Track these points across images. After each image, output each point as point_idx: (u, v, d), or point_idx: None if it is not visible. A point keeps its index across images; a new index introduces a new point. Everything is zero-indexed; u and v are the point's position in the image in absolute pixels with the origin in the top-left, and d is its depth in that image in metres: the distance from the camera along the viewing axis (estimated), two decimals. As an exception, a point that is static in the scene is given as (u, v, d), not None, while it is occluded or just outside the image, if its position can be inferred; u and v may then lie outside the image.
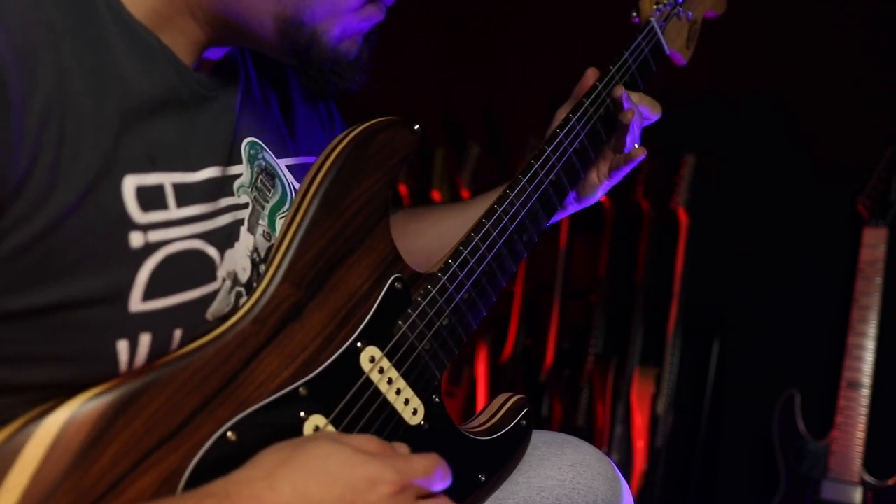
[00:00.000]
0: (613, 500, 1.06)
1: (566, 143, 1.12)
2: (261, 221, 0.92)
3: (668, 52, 1.27)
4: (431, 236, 1.25)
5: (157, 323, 0.78)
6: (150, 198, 0.78)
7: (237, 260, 0.88)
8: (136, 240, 0.77)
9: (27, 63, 0.70)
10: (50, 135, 0.71)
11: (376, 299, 0.91)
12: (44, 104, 0.70)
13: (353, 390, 0.87)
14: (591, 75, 1.22)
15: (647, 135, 1.30)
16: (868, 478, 2.35)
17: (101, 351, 0.76)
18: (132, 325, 0.77)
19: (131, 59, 0.79)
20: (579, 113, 1.14)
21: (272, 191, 0.95)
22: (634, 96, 1.20)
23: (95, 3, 0.77)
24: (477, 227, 1.01)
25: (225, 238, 0.87)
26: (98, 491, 0.70)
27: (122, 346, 0.76)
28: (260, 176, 0.94)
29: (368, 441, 0.79)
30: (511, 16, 3.31)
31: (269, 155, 0.97)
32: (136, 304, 0.77)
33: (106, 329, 0.75)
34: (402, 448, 0.82)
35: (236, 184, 0.90)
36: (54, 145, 0.71)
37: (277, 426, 0.81)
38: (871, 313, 2.37)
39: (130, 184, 0.76)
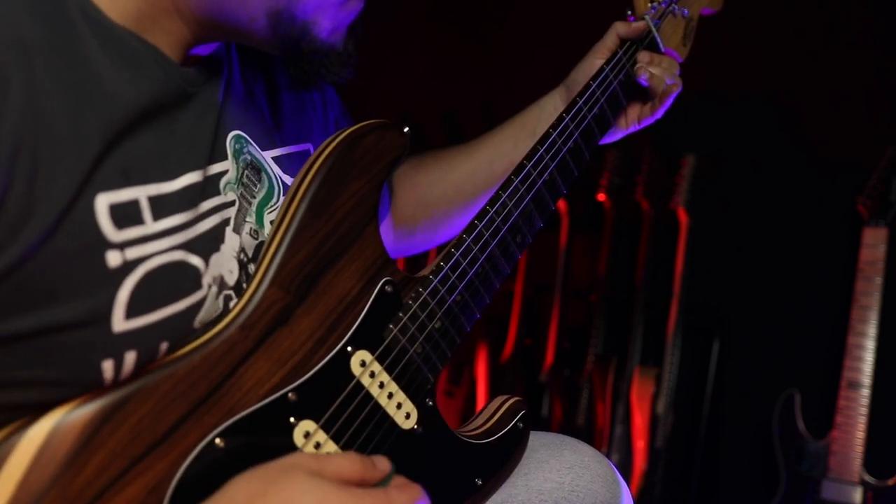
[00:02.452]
0: (613, 501, 1.05)
1: (560, 143, 1.11)
2: (248, 219, 0.92)
3: (663, 49, 1.26)
4: (446, 185, 1.25)
5: (142, 340, 0.77)
6: (125, 214, 0.76)
7: (223, 263, 0.87)
8: (113, 259, 0.75)
9: None
10: (22, 164, 0.69)
11: (366, 303, 0.90)
12: (14, 133, 0.68)
13: (343, 395, 0.86)
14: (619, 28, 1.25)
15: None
16: (868, 478, 2.34)
17: (85, 372, 0.75)
18: (116, 345, 0.76)
19: (114, 68, 0.77)
20: (573, 112, 1.14)
21: (258, 185, 0.94)
22: (655, 58, 1.23)
23: (71, 16, 0.75)
24: (469, 228, 1.00)
25: (209, 243, 0.86)
26: (85, 499, 0.70)
27: (108, 366, 0.76)
28: (246, 171, 0.93)
29: (349, 465, 0.76)
30: (511, 15, 3.30)
31: (254, 148, 0.95)
32: (120, 323, 0.76)
33: (89, 351, 0.74)
34: (382, 462, 0.79)
35: (223, 181, 0.89)
36: (27, 174, 0.69)
37: (267, 432, 0.80)
38: (871, 313, 2.36)
39: (103, 202, 0.75)
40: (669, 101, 1.24)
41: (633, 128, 1.26)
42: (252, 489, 0.72)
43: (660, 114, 1.24)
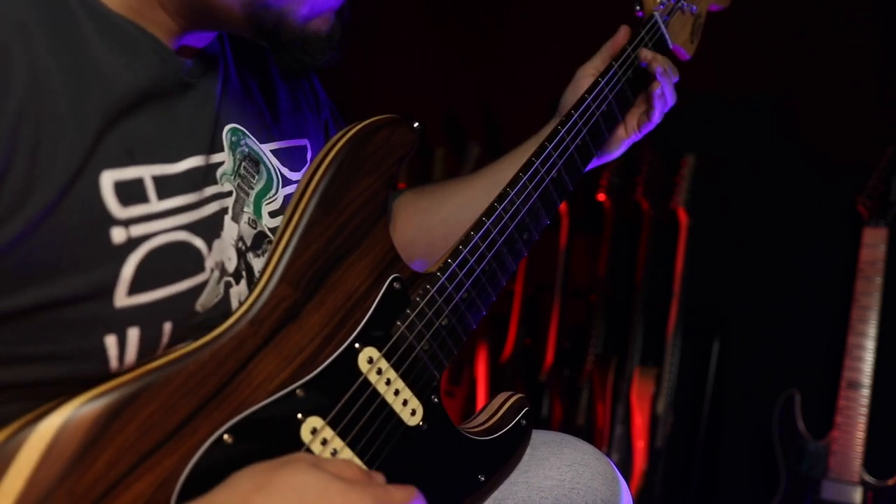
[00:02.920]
0: (612, 499, 1.05)
1: (568, 140, 1.11)
2: (245, 209, 0.92)
3: (671, 46, 1.26)
4: (446, 211, 1.25)
5: (144, 317, 0.78)
6: (130, 192, 0.77)
7: (224, 249, 0.88)
8: (117, 235, 0.76)
9: (1, 66, 0.69)
10: (24, 138, 0.70)
11: (374, 300, 0.91)
12: (17, 107, 0.70)
13: (350, 391, 0.87)
14: (623, 33, 1.25)
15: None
16: (868, 478, 2.34)
17: (89, 347, 0.75)
18: (119, 320, 0.76)
19: (112, 53, 0.78)
20: (581, 109, 1.14)
21: (256, 177, 0.95)
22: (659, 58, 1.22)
23: (69, 3, 0.77)
24: (476, 225, 1.00)
25: (212, 228, 0.87)
26: (94, 495, 0.70)
27: (111, 342, 0.76)
28: (243, 163, 0.93)
29: (347, 467, 0.78)
30: (511, 15, 3.31)
31: (251, 141, 0.96)
32: (122, 299, 0.76)
33: (92, 325, 0.75)
34: (379, 477, 0.80)
35: (219, 172, 0.90)
36: (29, 148, 0.70)
37: (275, 428, 0.81)
38: (871, 313, 2.36)
39: (108, 179, 0.76)
40: (668, 104, 1.24)
41: (634, 136, 1.26)
42: (256, 480, 0.73)
43: (658, 118, 1.24)
